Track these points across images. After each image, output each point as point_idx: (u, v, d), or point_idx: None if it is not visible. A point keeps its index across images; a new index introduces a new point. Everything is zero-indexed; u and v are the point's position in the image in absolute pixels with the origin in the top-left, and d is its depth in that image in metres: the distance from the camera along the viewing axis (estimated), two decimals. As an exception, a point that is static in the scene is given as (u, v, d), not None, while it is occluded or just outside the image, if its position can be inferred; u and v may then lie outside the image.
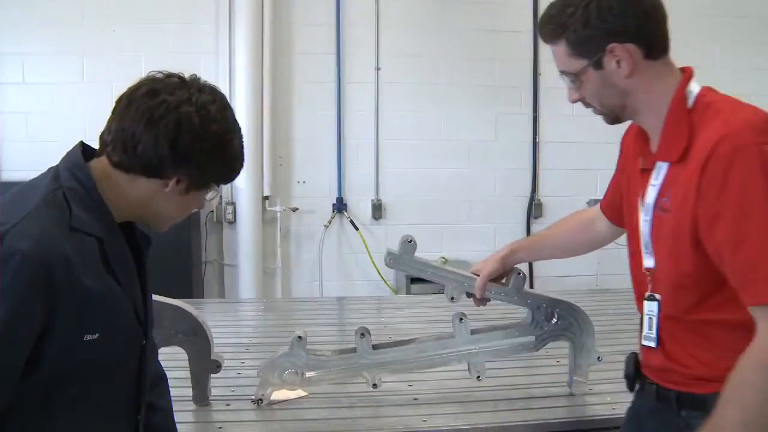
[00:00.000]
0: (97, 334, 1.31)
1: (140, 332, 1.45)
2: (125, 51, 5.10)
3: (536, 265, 5.67)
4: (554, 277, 5.52)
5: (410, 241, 2.21)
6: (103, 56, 5.14)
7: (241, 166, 1.46)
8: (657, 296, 1.62)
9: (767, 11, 5.77)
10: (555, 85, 5.95)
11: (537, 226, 5.84)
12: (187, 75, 1.40)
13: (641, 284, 1.68)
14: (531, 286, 5.63)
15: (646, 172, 1.61)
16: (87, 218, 1.32)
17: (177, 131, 1.32)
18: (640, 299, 1.69)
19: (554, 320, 2.29)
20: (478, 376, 2.28)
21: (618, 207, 1.89)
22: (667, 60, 1.56)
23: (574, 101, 1.61)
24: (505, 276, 2.24)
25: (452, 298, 2.23)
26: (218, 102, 1.38)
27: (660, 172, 1.57)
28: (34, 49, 5.15)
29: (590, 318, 2.35)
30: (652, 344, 1.64)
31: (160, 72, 1.39)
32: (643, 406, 1.74)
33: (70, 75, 5.21)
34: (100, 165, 1.38)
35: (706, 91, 1.56)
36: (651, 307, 1.64)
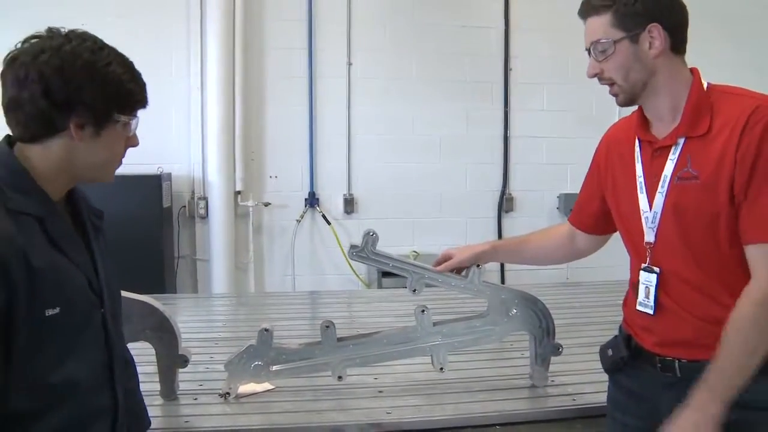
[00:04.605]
0: (57, 308, 1.35)
1: (96, 300, 1.48)
2: (96, 46, 5.06)
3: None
4: (526, 270, 5.57)
5: (372, 234, 2.26)
6: (72, 50, 5.09)
7: (138, 86, 1.47)
8: (655, 268, 1.78)
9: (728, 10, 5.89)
10: (526, 80, 6.05)
11: (508, 220, 5.91)
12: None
13: (641, 260, 1.82)
14: (502, 278, 5.71)
15: (661, 150, 1.75)
16: (24, 200, 1.36)
17: (44, 81, 1.35)
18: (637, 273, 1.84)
19: (514, 311, 2.34)
20: (441, 368, 2.33)
21: (593, 214, 2.06)
22: (683, 59, 1.77)
23: (593, 75, 1.77)
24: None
25: (414, 290, 2.29)
26: (75, 40, 1.40)
27: (677, 148, 1.72)
28: (3, 43, 5.07)
29: (554, 311, 2.40)
30: (650, 311, 1.79)
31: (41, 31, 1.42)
32: (648, 384, 1.82)
33: (40, 69, 5.14)
34: (18, 150, 1.42)
35: (713, 83, 1.75)
36: (649, 278, 1.80)
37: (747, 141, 1.60)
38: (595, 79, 1.80)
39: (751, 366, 1.59)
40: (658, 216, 1.74)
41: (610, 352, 1.92)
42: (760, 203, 1.59)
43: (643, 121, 1.82)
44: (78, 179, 1.50)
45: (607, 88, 1.79)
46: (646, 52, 1.70)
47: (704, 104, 1.69)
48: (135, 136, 1.52)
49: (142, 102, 1.50)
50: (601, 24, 1.72)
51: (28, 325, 1.31)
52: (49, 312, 1.34)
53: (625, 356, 1.87)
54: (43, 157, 1.41)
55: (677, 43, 1.73)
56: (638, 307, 1.83)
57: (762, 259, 1.60)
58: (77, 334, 1.42)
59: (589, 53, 1.76)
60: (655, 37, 1.69)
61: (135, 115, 1.49)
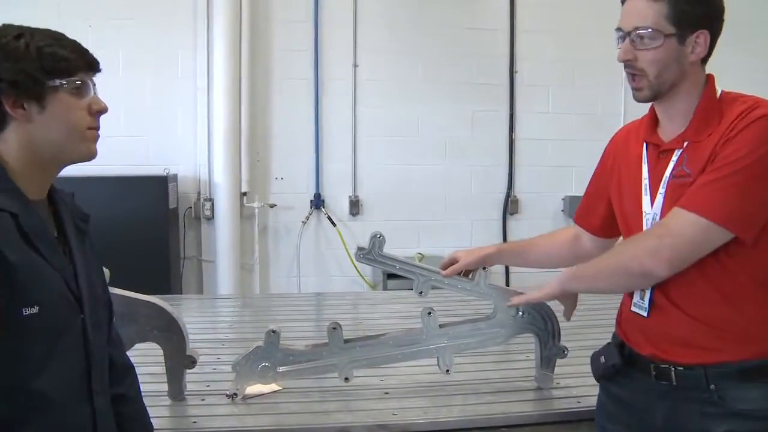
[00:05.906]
0: (37, 308, 1.32)
1: (75, 305, 1.43)
2: (103, 47, 5.02)
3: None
4: (531, 273, 5.57)
5: (379, 237, 2.27)
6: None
7: (63, 48, 1.39)
8: None
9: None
10: (531, 83, 6.05)
11: (513, 223, 5.91)
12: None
13: None
14: (507, 280, 5.71)
15: (665, 153, 1.75)
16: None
17: None
18: None
19: (519, 314, 2.35)
20: (447, 370, 2.33)
21: (600, 216, 2.05)
22: (705, 68, 1.76)
23: (625, 60, 1.71)
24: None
25: (420, 293, 2.29)
26: None
27: (680, 151, 1.72)
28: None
29: (559, 313, 2.40)
30: (643, 313, 1.78)
31: None
32: (640, 393, 1.78)
33: (48, 71, 5.16)
34: None
35: (727, 91, 1.75)
36: None
37: (726, 138, 1.61)
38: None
39: (601, 274, 1.82)
40: (658, 217, 1.74)
41: (602, 359, 1.89)
42: (698, 184, 1.63)
43: (652, 123, 1.82)
44: (52, 165, 1.44)
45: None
46: (687, 55, 1.68)
47: (714, 112, 1.69)
48: (97, 99, 1.43)
49: (76, 62, 1.40)
50: (654, 11, 1.65)
51: (4, 324, 1.28)
52: (27, 311, 1.30)
53: (618, 363, 1.84)
54: (6, 151, 1.37)
55: (709, 54, 1.72)
56: (633, 308, 1.81)
57: (675, 214, 1.65)
58: (57, 339, 1.38)
59: (626, 35, 1.70)
60: (699, 43, 1.67)
61: (78, 78, 1.40)
